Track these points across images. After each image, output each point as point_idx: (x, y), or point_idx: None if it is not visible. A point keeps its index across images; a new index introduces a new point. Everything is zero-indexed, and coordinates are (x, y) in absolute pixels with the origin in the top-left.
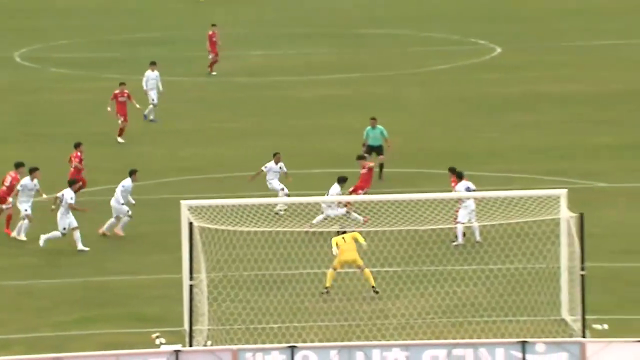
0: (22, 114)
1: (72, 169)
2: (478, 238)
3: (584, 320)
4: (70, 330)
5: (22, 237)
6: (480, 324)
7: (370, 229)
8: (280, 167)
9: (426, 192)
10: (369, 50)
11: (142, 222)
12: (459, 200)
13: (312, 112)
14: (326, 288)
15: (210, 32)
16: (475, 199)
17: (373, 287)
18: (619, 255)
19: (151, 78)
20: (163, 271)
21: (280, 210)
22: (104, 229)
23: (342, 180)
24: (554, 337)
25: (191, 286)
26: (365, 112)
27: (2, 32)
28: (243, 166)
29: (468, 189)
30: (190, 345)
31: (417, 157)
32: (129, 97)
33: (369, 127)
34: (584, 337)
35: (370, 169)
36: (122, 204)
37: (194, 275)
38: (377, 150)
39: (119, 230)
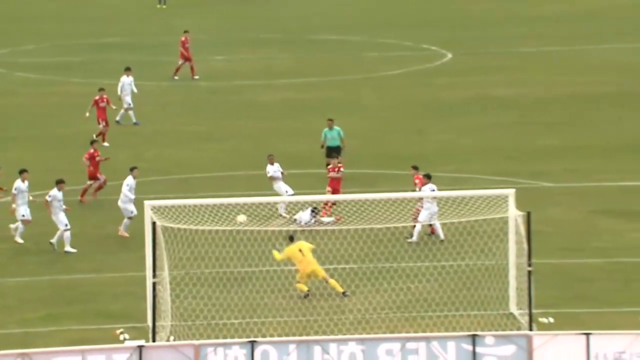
0: None
1: (89, 168)
2: (442, 237)
3: (530, 314)
4: (37, 327)
5: (19, 240)
6: (433, 319)
7: (328, 228)
8: (278, 168)
9: (383, 192)
10: (326, 56)
11: (107, 222)
12: (421, 200)
13: (272, 115)
14: (306, 292)
15: (183, 38)
16: (432, 198)
17: (343, 292)
18: (564, 252)
19: (126, 83)
20: (127, 269)
21: (283, 211)
22: (122, 231)
23: (314, 211)
24: (503, 330)
25: (154, 283)
26: (323, 114)
27: None
28: (205, 168)
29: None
30: (154, 341)
31: (374, 158)
32: (108, 102)
33: (326, 129)
34: (531, 330)
35: (339, 169)
36: (132, 200)
37: (157, 273)
38: (335, 150)
39: (123, 232)
